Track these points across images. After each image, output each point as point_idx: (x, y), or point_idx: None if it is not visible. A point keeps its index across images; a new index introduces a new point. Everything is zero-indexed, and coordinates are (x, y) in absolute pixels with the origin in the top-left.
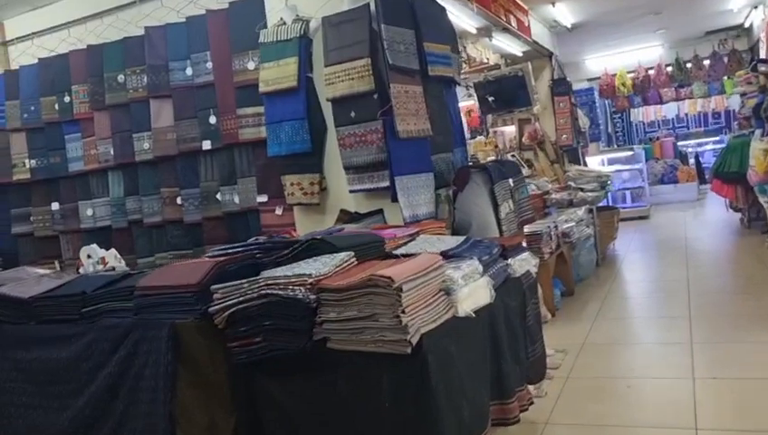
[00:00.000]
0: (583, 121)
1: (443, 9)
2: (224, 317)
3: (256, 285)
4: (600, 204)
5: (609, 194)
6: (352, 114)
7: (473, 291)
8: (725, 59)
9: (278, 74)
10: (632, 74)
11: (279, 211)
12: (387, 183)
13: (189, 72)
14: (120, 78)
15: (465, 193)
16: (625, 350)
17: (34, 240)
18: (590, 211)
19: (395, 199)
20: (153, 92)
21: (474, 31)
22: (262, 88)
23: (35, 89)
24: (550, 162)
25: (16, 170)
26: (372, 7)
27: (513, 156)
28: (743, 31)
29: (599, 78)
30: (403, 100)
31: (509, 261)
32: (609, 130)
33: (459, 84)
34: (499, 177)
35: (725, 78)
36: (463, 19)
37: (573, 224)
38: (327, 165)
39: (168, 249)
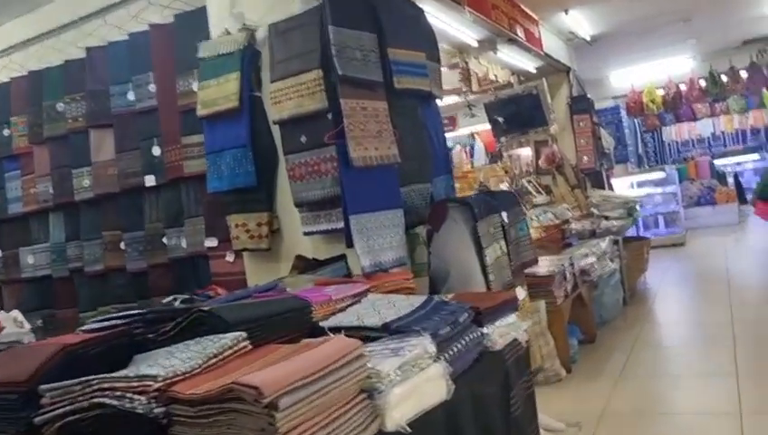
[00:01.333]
0: (607, 142)
1: (419, 10)
2: (51, 433)
3: (89, 390)
4: (628, 233)
5: (640, 220)
6: (303, 139)
7: (416, 388)
8: (765, 70)
9: (217, 94)
10: (662, 90)
11: (230, 258)
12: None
13: (131, 96)
14: (60, 106)
15: (441, 234)
16: (657, 424)
17: None
18: (616, 242)
19: (350, 244)
20: (93, 121)
21: (475, 44)
22: (200, 110)
23: None
24: (570, 187)
25: None
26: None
27: (528, 181)
28: None
29: (625, 95)
30: (360, 119)
31: (485, 329)
32: (640, 150)
33: (439, 99)
34: (485, 212)
35: (765, 90)
36: (459, 29)
37: (594, 259)
38: (280, 202)
39: (111, 302)
